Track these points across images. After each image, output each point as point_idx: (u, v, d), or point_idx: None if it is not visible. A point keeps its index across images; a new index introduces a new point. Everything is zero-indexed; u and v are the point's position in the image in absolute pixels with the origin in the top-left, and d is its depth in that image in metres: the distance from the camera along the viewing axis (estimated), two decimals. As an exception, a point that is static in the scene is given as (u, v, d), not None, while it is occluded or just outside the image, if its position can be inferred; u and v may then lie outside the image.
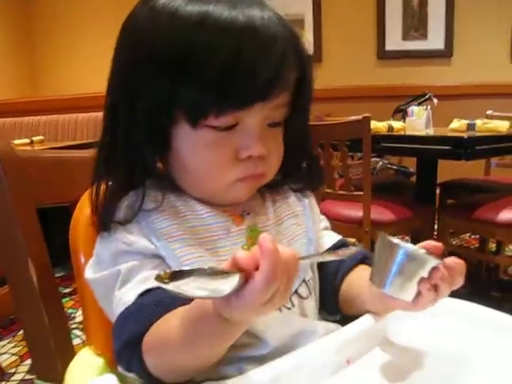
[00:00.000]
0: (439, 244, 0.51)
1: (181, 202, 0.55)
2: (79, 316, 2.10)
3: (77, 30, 4.19)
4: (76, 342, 1.74)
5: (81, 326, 1.98)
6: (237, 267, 0.36)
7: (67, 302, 2.25)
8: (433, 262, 0.48)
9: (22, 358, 1.84)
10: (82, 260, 0.60)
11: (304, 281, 0.59)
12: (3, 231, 0.63)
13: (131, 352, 0.48)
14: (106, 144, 0.54)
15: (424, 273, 0.48)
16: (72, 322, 2.06)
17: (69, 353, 0.65)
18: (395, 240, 0.48)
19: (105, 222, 0.54)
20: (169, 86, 0.48)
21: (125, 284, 0.51)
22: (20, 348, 1.92)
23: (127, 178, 0.54)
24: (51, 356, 0.64)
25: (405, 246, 0.48)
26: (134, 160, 0.53)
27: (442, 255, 0.50)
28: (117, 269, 0.51)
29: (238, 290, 0.36)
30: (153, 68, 0.49)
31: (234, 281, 0.35)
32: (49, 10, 4.23)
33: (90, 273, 0.55)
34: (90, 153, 0.58)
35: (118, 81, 0.53)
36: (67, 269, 2.46)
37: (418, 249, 0.50)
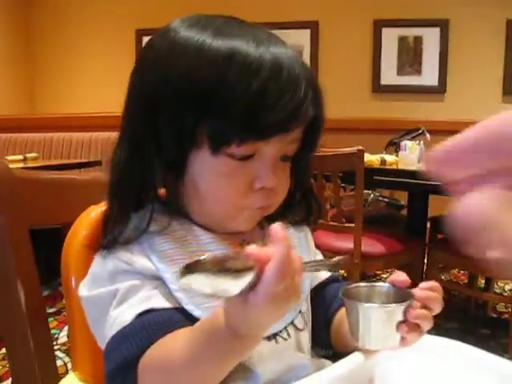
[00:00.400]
0: (405, 277, 0.52)
1: (184, 227, 0.56)
2: (63, 337, 2.06)
3: (76, 48, 4.24)
4: (58, 363, 1.70)
5: (63, 348, 1.94)
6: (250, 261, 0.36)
7: (51, 322, 2.20)
8: (403, 305, 0.49)
9: (1, 378, 1.80)
10: (73, 283, 0.59)
11: (300, 312, 0.59)
12: (-6, 250, 0.63)
13: (125, 375, 0.47)
14: (120, 168, 0.55)
15: (399, 317, 0.48)
16: (55, 343, 2.02)
17: (52, 376, 0.64)
18: (362, 288, 0.52)
19: (107, 240, 0.54)
20: (195, 116, 0.49)
21: (122, 303, 0.50)
22: (0, 368, 1.87)
23: (137, 201, 0.55)
24: (34, 379, 0.63)
25: (368, 305, 0.49)
26: (146, 184, 0.54)
27: (410, 286, 0.51)
28: (115, 287, 0.51)
29: (252, 287, 0.35)
30: (180, 100, 0.50)
31: (248, 278, 0.35)
32: (49, 27, 4.28)
33: (84, 290, 0.54)
34: (84, 175, 0.59)
35: (139, 110, 0.54)
36: (52, 288, 2.42)
37: (387, 289, 0.52)
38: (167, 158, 0.53)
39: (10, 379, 0.68)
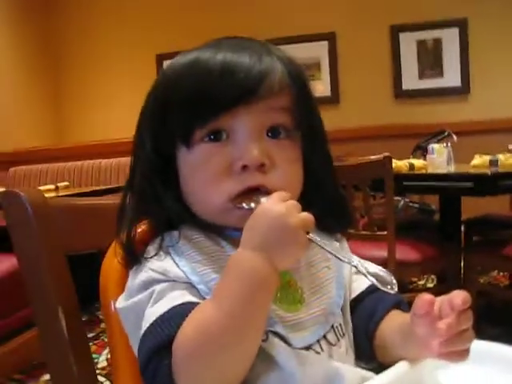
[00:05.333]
0: (462, 297, 0.47)
1: (213, 241, 0.56)
2: (102, 361, 2.08)
3: (101, 76, 4.36)
4: (99, 388, 1.72)
5: (104, 372, 1.96)
6: None
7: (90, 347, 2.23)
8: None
9: (45, 406, 1.82)
10: (112, 307, 0.60)
11: (332, 326, 0.58)
12: (33, 278, 0.64)
13: (160, 359, 0.46)
14: (131, 184, 0.58)
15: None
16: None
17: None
18: None
19: (137, 256, 0.55)
20: (163, 117, 0.55)
21: (158, 301, 0.50)
22: (44, 395, 1.90)
23: (157, 217, 0.57)
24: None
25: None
26: (148, 199, 0.56)
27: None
28: (151, 290, 0.51)
29: None
30: (153, 107, 0.57)
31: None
32: (75, 57, 4.42)
33: (120, 303, 0.55)
34: (116, 199, 0.60)
35: (137, 127, 0.59)
36: (90, 313, 2.46)
37: None
38: (153, 163, 0.55)
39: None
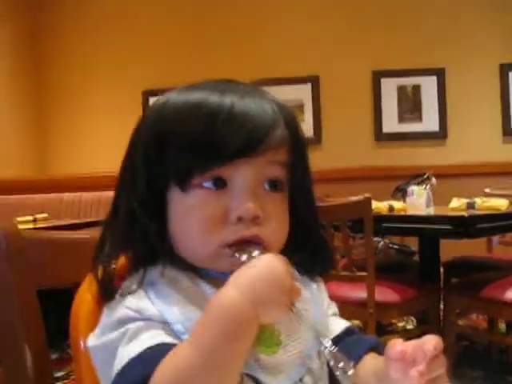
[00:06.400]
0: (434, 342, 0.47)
1: (190, 281, 0.55)
2: (71, 403, 1.99)
3: (85, 109, 4.36)
4: (67, 432, 1.64)
5: (72, 415, 1.88)
6: None
7: (59, 388, 2.14)
8: None
9: None
10: (82, 346, 0.58)
11: (309, 370, 0.57)
12: (1, 313, 0.62)
13: None
14: (114, 218, 0.57)
15: None
16: (63, 409, 1.95)
17: None
18: None
19: (113, 292, 0.54)
20: (159, 158, 0.53)
21: (131, 341, 0.49)
22: None
23: (138, 251, 0.56)
24: None
25: None
26: (139, 235, 0.54)
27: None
28: (124, 329, 0.50)
29: None
30: (146, 146, 0.55)
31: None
32: (58, 89, 4.42)
33: (92, 340, 0.53)
34: (93, 233, 0.59)
35: (123, 162, 0.58)
36: (61, 351, 2.37)
37: None
38: (143, 199, 0.54)
39: None
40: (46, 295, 0.66)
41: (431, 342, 0.46)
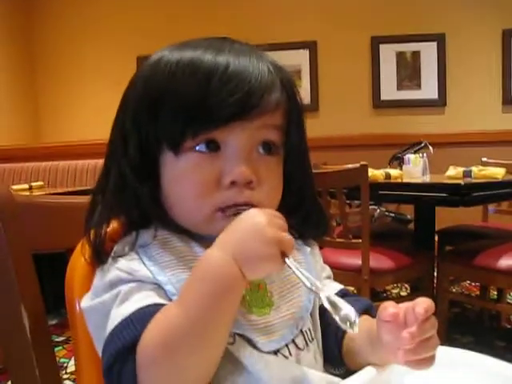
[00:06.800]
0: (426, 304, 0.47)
1: (183, 243, 0.55)
2: (71, 366, 2.04)
3: (79, 77, 4.30)
4: (67, 393, 1.68)
5: (73, 377, 1.92)
6: None
7: (59, 352, 2.18)
8: None
9: (9, 411, 1.77)
10: (78, 308, 0.58)
11: (301, 331, 0.58)
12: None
13: (124, 363, 0.45)
14: (105, 183, 0.56)
15: None
16: (64, 371, 1.99)
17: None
18: None
19: (105, 255, 0.54)
20: (151, 119, 0.52)
21: (124, 302, 0.49)
22: (8, 400, 1.85)
23: (130, 215, 0.55)
24: (40, 409, 0.62)
25: None
26: (131, 199, 0.54)
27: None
28: (117, 290, 0.50)
29: None
30: (137, 107, 0.53)
31: None
32: (52, 57, 4.36)
33: (86, 302, 0.53)
34: (87, 198, 0.58)
35: (114, 125, 0.57)
36: (60, 316, 2.41)
37: None
38: (137, 167, 0.53)
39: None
40: (42, 260, 0.65)
41: (422, 305, 0.47)
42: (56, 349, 2.18)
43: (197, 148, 0.52)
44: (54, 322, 2.40)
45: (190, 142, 0.51)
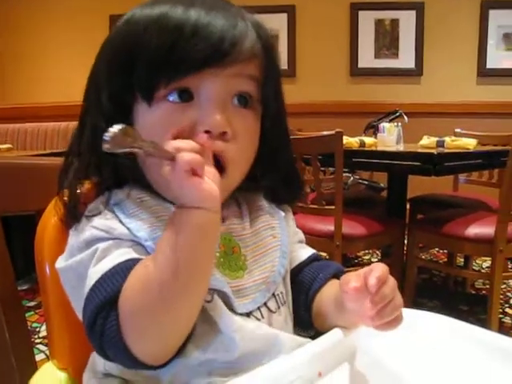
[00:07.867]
0: (381, 271, 0.49)
1: (156, 201, 0.54)
2: (44, 330, 2.03)
3: (48, 36, 4.13)
4: (40, 357, 1.68)
5: (45, 341, 1.92)
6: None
7: (31, 316, 2.17)
8: None
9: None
10: (48, 272, 0.57)
11: (273, 294, 0.58)
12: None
13: (106, 316, 0.44)
14: (79, 142, 0.55)
15: None
16: (36, 336, 1.99)
17: (30, 368, 0.63)
18: None
19: (79, 214, 0.53)
20: (124, 71, 0.51)
21: (101, 260, 0.48)
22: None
23: (104, 173, 0.54)
24: (11, 371, 0.62)
25: None
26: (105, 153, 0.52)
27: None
28: (93, 248, 0.49)
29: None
30: (114, 56, 0.53)
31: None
32: (18, 14, 4.15)
33: (61, 262, 0.52)
34: (57, 160, 0.57)
35: (88, 83, 0.56)
36: (31, 282, 2.38)
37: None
38: (109, 115, 0.51)
39: (-13, 372, 0.66)
40: (12, 227, 0.64)
41: (374, 274, 0.47)
42: (28, 314, 2.17)
43: (170, 98, 0.51)
44: (25, 287, 2.37)
45: (162, 91, 0.50)
